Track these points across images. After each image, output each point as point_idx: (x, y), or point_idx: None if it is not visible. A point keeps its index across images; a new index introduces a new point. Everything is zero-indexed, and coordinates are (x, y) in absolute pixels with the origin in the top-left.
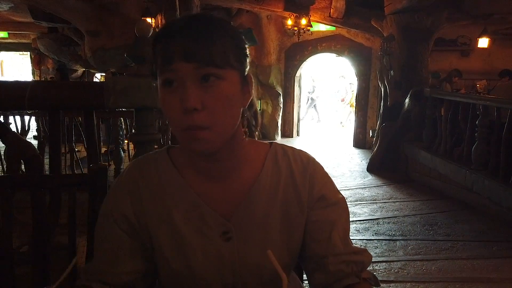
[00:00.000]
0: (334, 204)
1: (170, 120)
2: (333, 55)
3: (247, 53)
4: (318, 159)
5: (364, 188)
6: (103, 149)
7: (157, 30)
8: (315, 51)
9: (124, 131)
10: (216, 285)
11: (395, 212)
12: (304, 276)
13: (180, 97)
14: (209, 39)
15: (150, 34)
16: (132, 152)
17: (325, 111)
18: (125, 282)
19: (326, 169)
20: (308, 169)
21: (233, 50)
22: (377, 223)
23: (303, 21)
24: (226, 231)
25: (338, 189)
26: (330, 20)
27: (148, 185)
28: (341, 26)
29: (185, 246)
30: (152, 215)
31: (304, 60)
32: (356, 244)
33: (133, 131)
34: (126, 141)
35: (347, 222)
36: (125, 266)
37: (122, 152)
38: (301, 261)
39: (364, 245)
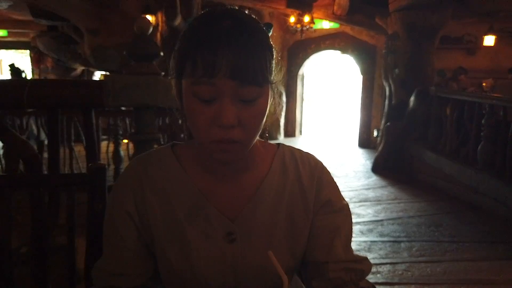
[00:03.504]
0: (339, 210)
1: (197, 130)
2: (337, 52)
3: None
4: (321, 159)
5: (368, 188)
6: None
7: (159, 27)
8: (318, 49)
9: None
10: (218, 285)
11: (400, 213)
12: None
13: (216, 111)
14: (255, 55)
15: (149, 32)
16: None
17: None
18: (135, 286)
19: (329, 169)
20: (315, 173)
21: (270, 64)
22: (381, 224)
23: (306, 18)
24: (231, 232)
25: (342, 190)
26: (334, 17)
27: (151, 183)
28: (345, 24)
29: (188, 247)
30: (155, 214)
31: (307, 58)
32: (360, 245)
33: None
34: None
35: (350, 229)
36: (132, 268)
37: (121, 152)
38: (300, 266)
39: (368, 246)
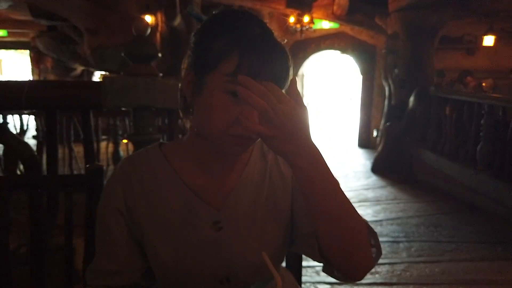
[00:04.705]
0: None
1: (218, 123)
2: (337, 52)
3: None
4: None
5: (368, 189)
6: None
7: (156, 26)
8: (317, 49)
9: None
10: (210, 276)
11: (399, 214)
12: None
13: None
14: (288, 64)
15: (147, 33)
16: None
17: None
18: (129, 284)
19: None
20: None
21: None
22: (380, 225)
23: (306, 19)
24: (217, 221)
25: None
26: (333, 17)
27: (140, 180)
28: (345, 24)
29: (177, 240)
30: (144, 210)
31: (307, 58)
32: None
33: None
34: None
35: None
36: (125, 265)
37: (120, 152)
38: (299, 247)
39: None
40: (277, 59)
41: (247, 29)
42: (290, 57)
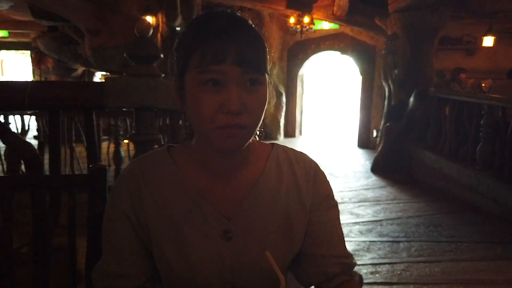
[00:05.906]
0: (334, 206)
1: (203, 118)
2: (337, 53)
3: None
4: (320, 159)
5: (368, 189)
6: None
7: (160, 26)
8: (318, 50)
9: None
10: (216, 284)
11: (399, 213)
12: None
13: (223, 98)
14: (257, 45)
15: (150, 33)
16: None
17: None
18: (135, 286)
19: (329, 170)
20: (311, 173)
21: (266, 55)
22: (380, 225)
23: (306, 19)
24: (227, 231)
25: (341, 190)
26: (333, 18)
27: (148, 185)
28: (345, 24)
29: (186, 246)
30: (152, 214)
31: (307, 59)
32: (359, 245)
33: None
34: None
35: (340, 224)
36: (131, 268)
37: (121, 152)
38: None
39: (367, 246)
40: (245, 43)
41: (210, 22)
42: (264, 41)
